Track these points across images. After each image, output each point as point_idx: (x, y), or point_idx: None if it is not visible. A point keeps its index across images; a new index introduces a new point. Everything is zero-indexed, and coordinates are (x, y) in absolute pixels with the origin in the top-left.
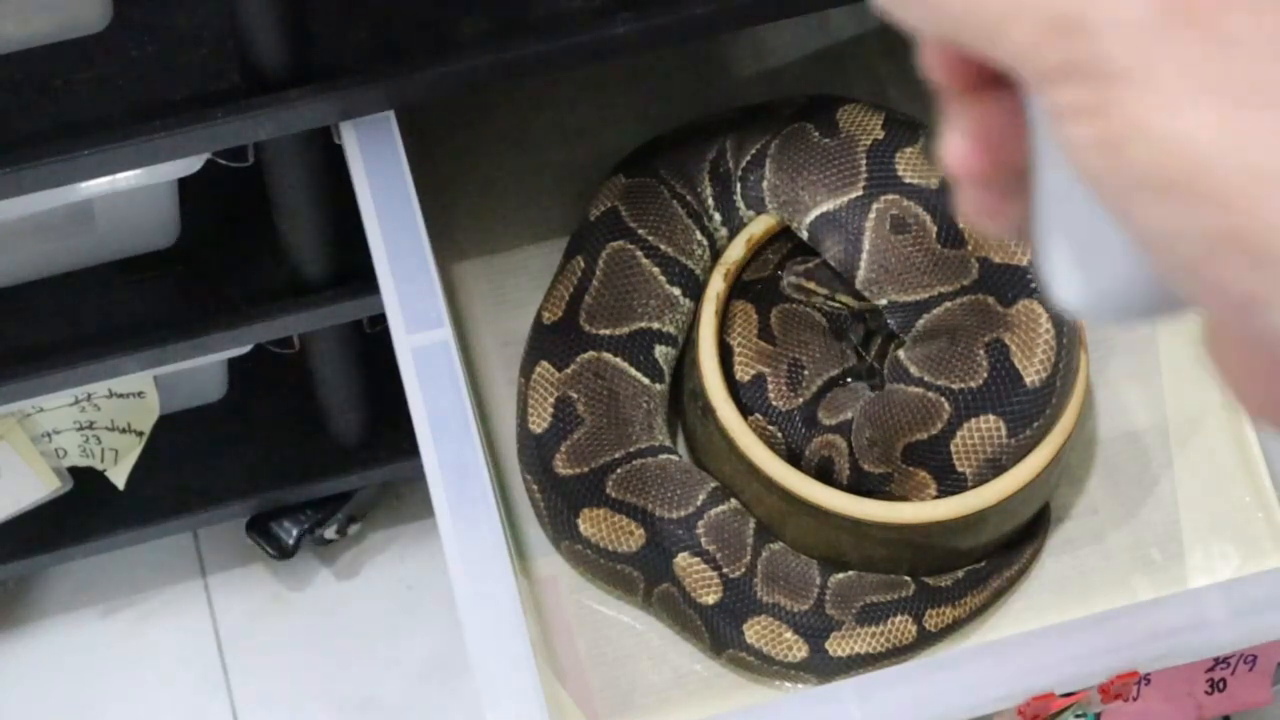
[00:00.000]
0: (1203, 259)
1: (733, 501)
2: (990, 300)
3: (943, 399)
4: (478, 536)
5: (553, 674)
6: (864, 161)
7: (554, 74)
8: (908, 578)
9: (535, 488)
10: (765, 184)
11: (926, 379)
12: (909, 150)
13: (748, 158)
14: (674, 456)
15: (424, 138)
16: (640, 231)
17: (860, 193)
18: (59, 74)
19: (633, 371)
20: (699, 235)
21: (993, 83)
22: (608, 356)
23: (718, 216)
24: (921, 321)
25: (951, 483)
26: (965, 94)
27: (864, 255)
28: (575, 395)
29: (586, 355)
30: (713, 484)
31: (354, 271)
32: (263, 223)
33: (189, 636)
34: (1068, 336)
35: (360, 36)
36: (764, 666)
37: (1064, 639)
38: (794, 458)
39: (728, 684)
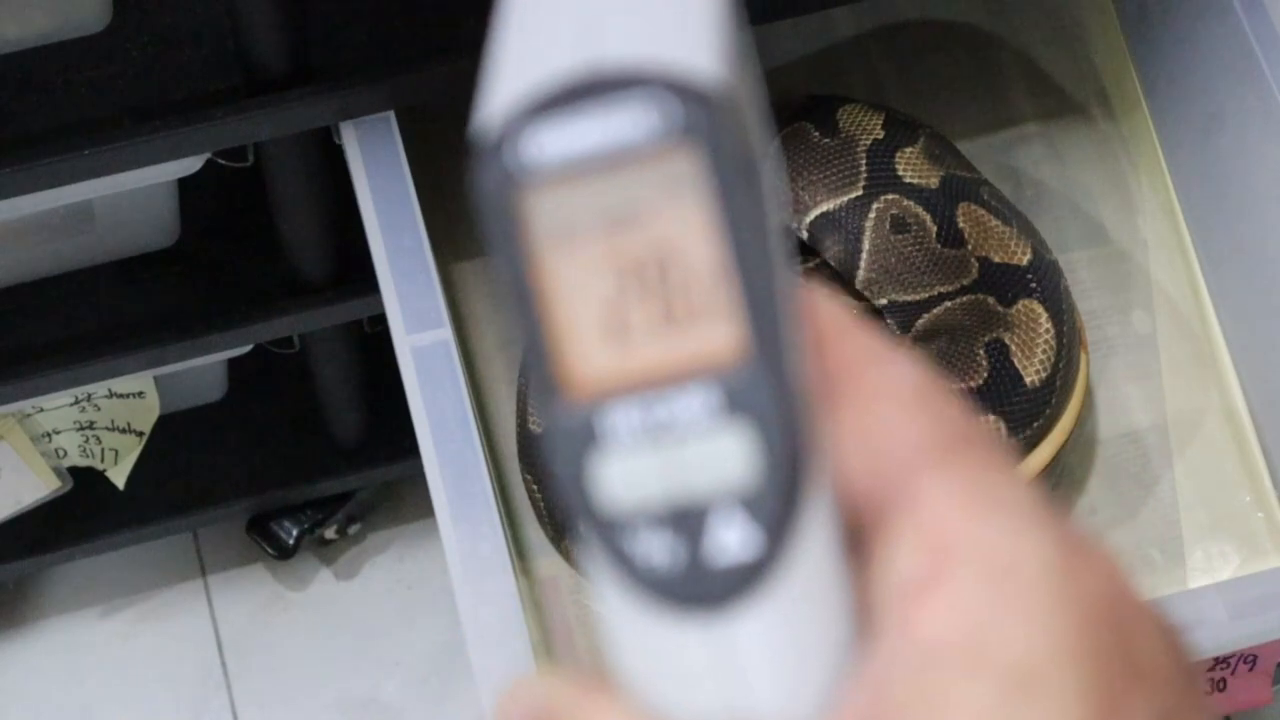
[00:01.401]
0: None
1: None
2: (990, 300)
3: None
4: (478, 536)
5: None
6: (864, 161)
7: None
8: None
9: (535, 488)
10: None
11: None
12: (909, 150)
13: None
14: None
15: (424, 138)
16: None
17: (860, 193)
18: (58, 74)
19: None
20: None
21: None
22: None
23: None
24: (921, 322)
25: None
26: None
27: (864, 255)
28: None
29: None
30: None
31: (354, 271)
32: (263, 223)
33: (189, 637)
34: (1068, 336)
35: (360, 36)
36: None
37: None
38: None
39: None
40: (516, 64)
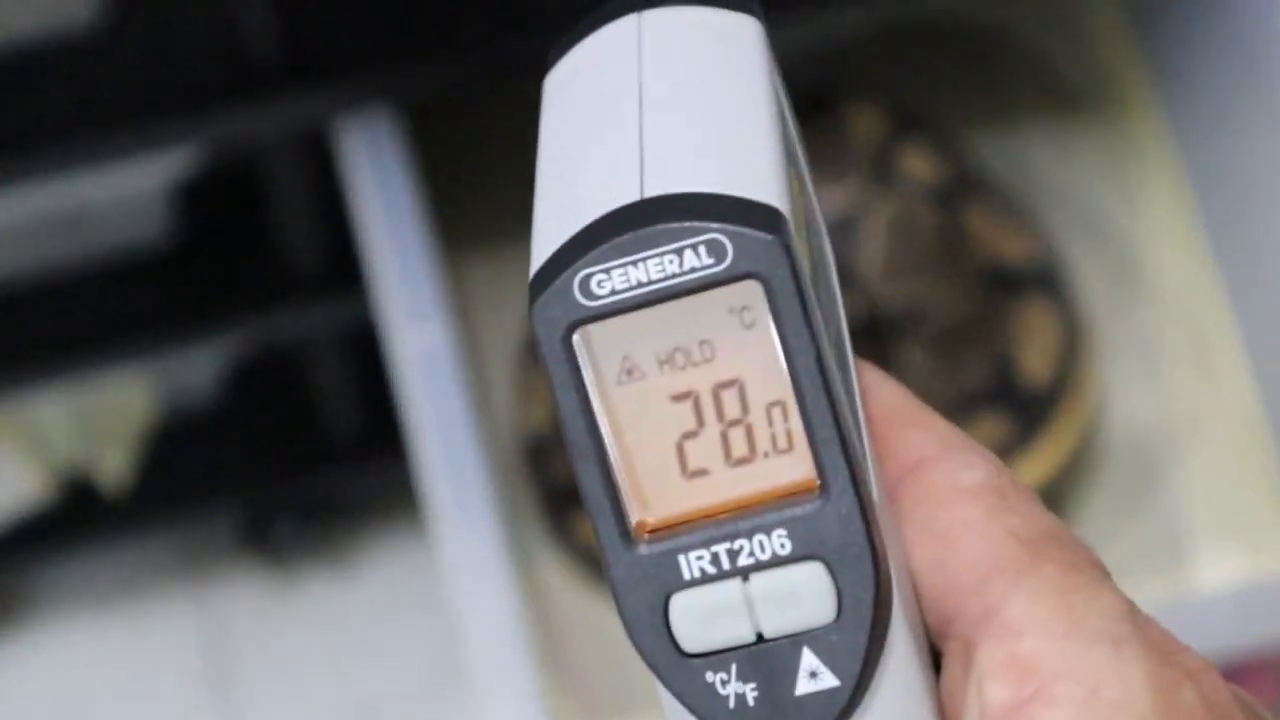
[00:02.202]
0: None
1: None
2: (995, 298)
3: (946, 399)
4: (477, 537)
5: (553, 674)
6: (866, 160)
7: None
8: None
9: (534, 489)
10: None
11: (929, 379)
12: (913, 147)
13: None
14: None
15: (424, 137)
16: None
17: (863, 190)
18: (47, 71)
19: None
20: None
21: None
22: None
23: None
24: (924, 320)
25: None
26: None
27: (866, 255)
28: None
29: None
30: None
31: (352, 271)
32: (258, 222)
33: (185, 638)
34: (1073, 335)
35: (359, 34)
36: None
37: None
38: None
39: None
40: (565, 203)
